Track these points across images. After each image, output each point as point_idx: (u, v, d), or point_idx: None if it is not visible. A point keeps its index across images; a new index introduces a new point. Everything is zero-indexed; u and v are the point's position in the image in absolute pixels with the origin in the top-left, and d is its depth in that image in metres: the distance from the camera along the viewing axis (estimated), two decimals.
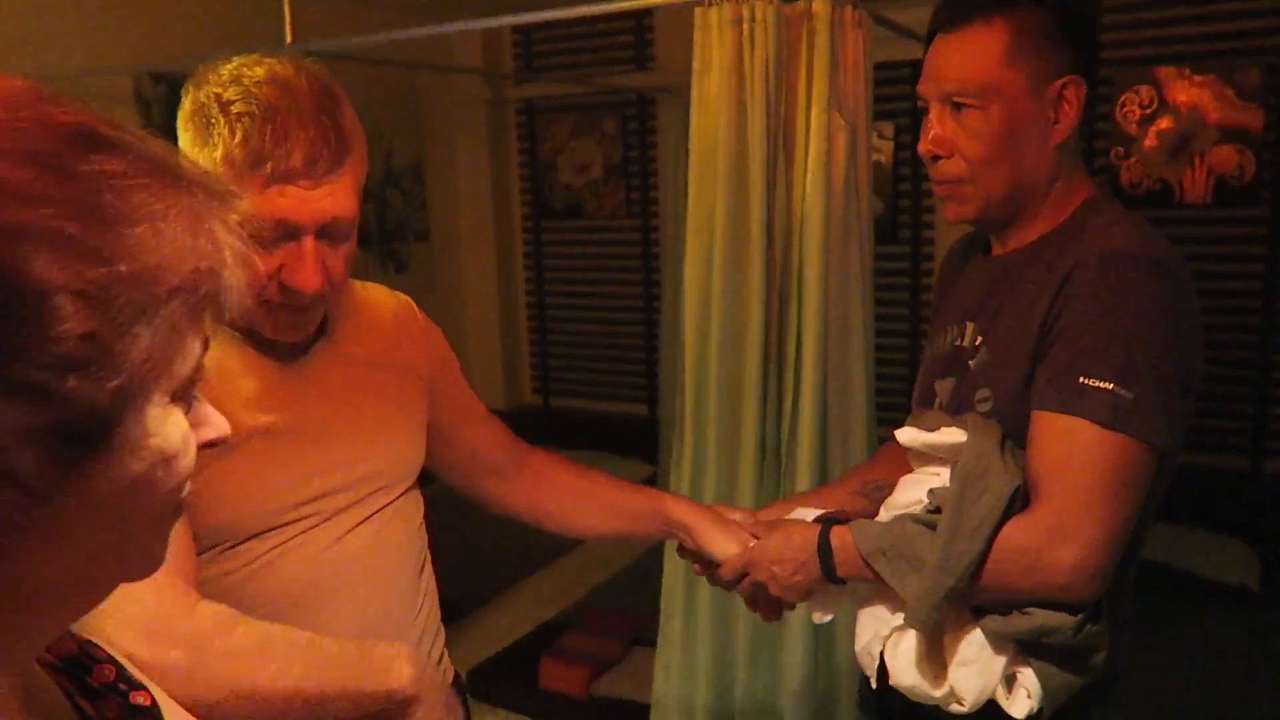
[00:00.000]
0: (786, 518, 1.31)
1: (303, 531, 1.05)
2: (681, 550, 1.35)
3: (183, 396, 0.49)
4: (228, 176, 0.91)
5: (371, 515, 1.11)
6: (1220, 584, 3.06)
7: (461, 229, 4.84)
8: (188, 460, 0.50)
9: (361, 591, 1.09)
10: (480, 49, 4.65)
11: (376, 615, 1.11)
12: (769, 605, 1.32)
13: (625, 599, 3.35)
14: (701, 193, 1.91)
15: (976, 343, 1.19)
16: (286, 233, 0.95)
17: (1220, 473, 3.40)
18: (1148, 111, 3.46)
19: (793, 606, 1.30)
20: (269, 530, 1.03)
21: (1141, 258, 1.08)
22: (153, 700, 0.60)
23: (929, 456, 1.18)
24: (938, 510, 1.11)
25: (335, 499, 1.08)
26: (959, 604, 1.10)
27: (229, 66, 0.96)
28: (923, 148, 1.18)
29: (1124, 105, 3.49)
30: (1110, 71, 3.48)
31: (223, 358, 1.02)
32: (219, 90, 0.93)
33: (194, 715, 0.75)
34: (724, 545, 1.27)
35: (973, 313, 1.22)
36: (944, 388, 1.24)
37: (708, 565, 1.31)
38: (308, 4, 2.43)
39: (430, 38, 4.26)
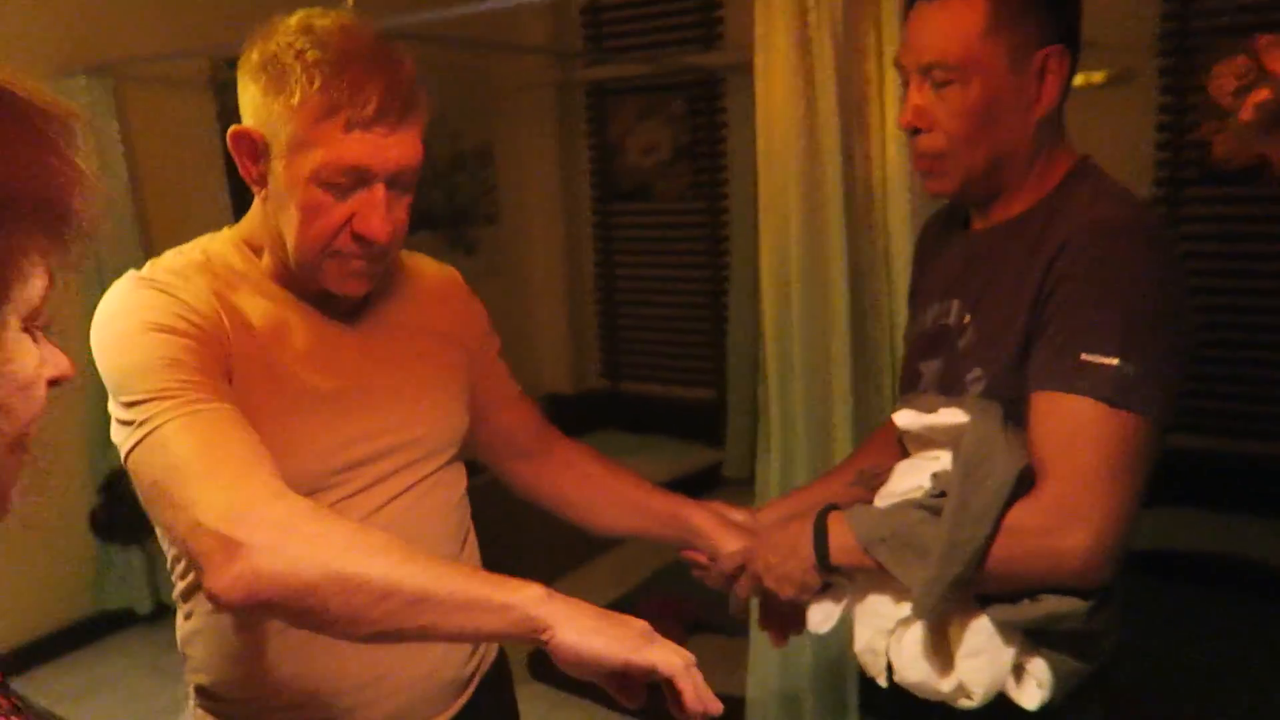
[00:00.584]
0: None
1: (345, 497, 1.03)
2: (691, 564, 1.31)
3: (31, 326, 0.48)
4: (305, 124, 0.92)
5: (414, 483, 1.10)
6: None
7: (529, 212, 4.83)
8: (38, 393, 0.49)
9: None
10: (548, 29, 4.63)
11: None
12: (775, 618, 1.29)
13: (684, 586, 3.30)
14: (771, 169, 1.85)
15: (964, 321, 1.14)
16: (360, 179, 0.95)
17: None
18: (1244, 82, 3.26)
19: (799, 630, 1.25)
20: (311, 493, 1.00)
21: (1134, 227, 1.04)
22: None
23: (927, 440, 1.13)
24: (942, 495, 1.06)
25: (379, 464, 1.06)
26: (965, 592, 1.06)
27: (295, 18, 0.97)
28: (902, 120, 1.14)
29: (1217, 77, 3.30)
30: (1202, 41, 3.29)
31: (276, 316, 1.02)
32: (290, 40, 0.94)
33: (299, 598, 0.76)
34: (728, 543, 1.25)
35: (956, 290, 1.16)
36: (930, 369, 1.19)
37: (710, 565, 1.28)
38: None
39: (498, 21, 4.26)
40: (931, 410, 1.11)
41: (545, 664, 2.84)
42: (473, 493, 1.22)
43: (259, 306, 1.01)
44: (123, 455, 0.91)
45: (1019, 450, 1.03)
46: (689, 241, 4.62)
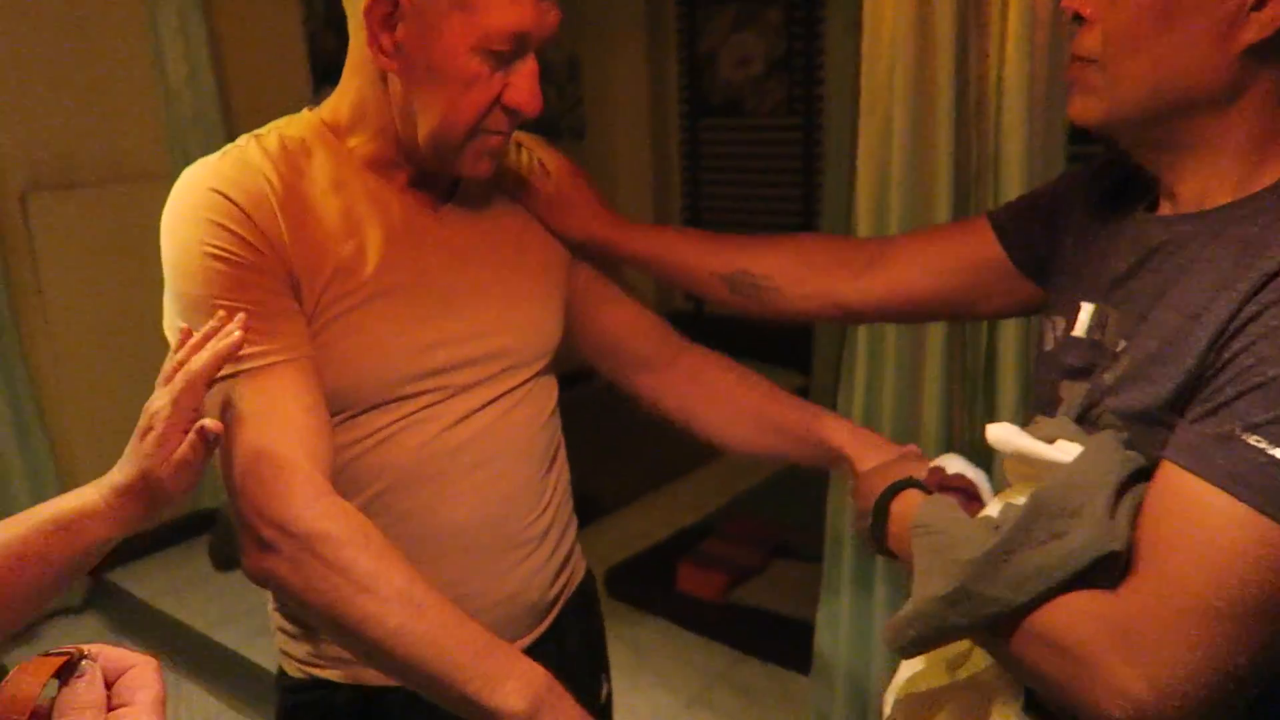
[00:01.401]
0: (912, 459, 1.05)
1: (425, 407, 0.97)
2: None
3: None
4: None
5: (499, 396, 1.03)
6: None
7: (617, 127, 4.71)
8: None
9: (482, 476, 1.01)
10: None
11: (498, 503, 1.03)
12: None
13: (767, 509, 3.26)
14: (876, 66, 1.71)
15: (1118, 348, 0.82)
16: (521, 46, 0.90)
17: None
18: None
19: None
20: (389, 402, 0.96)
21: None
22: None
23: (1026, 470, 0.85)
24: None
25: (461, 373, 0.99)
26: (951, 640, 0.83)
27: None
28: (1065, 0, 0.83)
29: None
30: None
31: (355, 206, 0.95)
32: None
33: (308, 609, 0.78)
34: (868, 464, 1.07)
35: (1118, 295, 0.84)
36: (1073, 395, 0.87)
37: None
38: None
39: None
40: (1047, 436, 0.82)
41: (624, 582, 2.84)
42: (563, 404, 1.14)
43: (337, 197, 0.94)
44: None
45: (1123, 527, 0.73)
46: (782, 159, 4.45)
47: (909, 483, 0.94)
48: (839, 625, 2.07)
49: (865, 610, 2.02)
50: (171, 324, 0.89)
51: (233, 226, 0.87)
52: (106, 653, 0.50)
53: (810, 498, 2.77)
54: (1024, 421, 0.88)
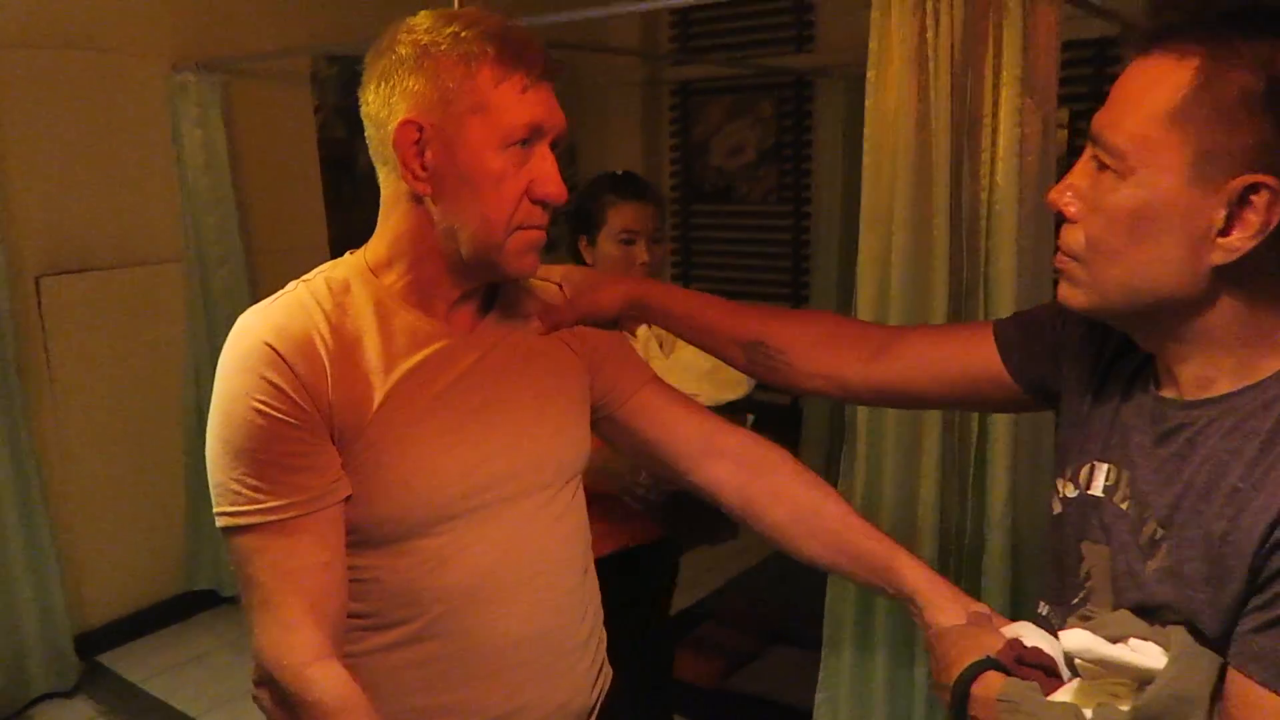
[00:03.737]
0: (994, 625, 1.02)
1: (476, 526, 1.02)
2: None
3: None
4: (484, 90, 0.95)
5: (543, 508, 1.07)
6: None
7: None
8: None
9: (534, 589, 1.06)
10: (638, 29, 4.63)
11: (549, 614, 1.07)
12: None
13: (763, 593, 3.29)
14: (878, 184, 1.81)
15: (1155, 536, 0.83)
16: (537, 136, 0.98)
17: None
18: None
19: None
20: (442, 521, 1.00)
21: None
22: None
23: (1099, 671, 0.86)
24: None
25: (505, 486, 1.04)
26: None
27: (425, 15, 0.99)
28: (1051, 195, 0.87)
29: None
30: None
31: (392, 333, 1.00)
32: (439, 28, 0.96)
33: None
34: (942, 616, 1.05)
35: (1140, 468, 0.86)
36: (1096, 555, 0.89)
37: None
38: None
39: (589, 20, 4.27)
40: (1119, 637, 0.83)
41: None
42: None
43: (379, 333, 1.00)
44: (213, 501, 0.97)
45: None
46: (772, 245, 4.58)
47: (988, 663, 0.92)
48: (838, 714, 2.10)
49: (865, 699, 2.06)
50: (212, 457, 0.96)
51: (278, 380, 0.93)
52: None
53: (806, 583, 2.80)
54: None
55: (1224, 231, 0.76)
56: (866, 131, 1.80)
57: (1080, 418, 0.96)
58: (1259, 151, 0.73)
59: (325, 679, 0.93)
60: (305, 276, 1.04)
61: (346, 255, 1.07)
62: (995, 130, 1.73)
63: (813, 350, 1.15)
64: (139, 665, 3.02)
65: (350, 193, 3.67)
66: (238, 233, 3.16)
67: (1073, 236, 0.84)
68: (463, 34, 0.95)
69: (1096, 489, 0.91)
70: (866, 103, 1.79)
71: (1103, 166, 0.81)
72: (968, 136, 1.74)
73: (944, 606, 1.06)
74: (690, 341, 1.23)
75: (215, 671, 2.99)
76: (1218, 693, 0.77)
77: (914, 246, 1.79)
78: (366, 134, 1.01)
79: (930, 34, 1.71)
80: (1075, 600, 0.93)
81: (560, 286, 1.18)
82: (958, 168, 1.75)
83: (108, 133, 2.98)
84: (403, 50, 0.96)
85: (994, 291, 1.77)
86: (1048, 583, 0.97)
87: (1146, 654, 0.81)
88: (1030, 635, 0.92)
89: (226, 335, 0.98)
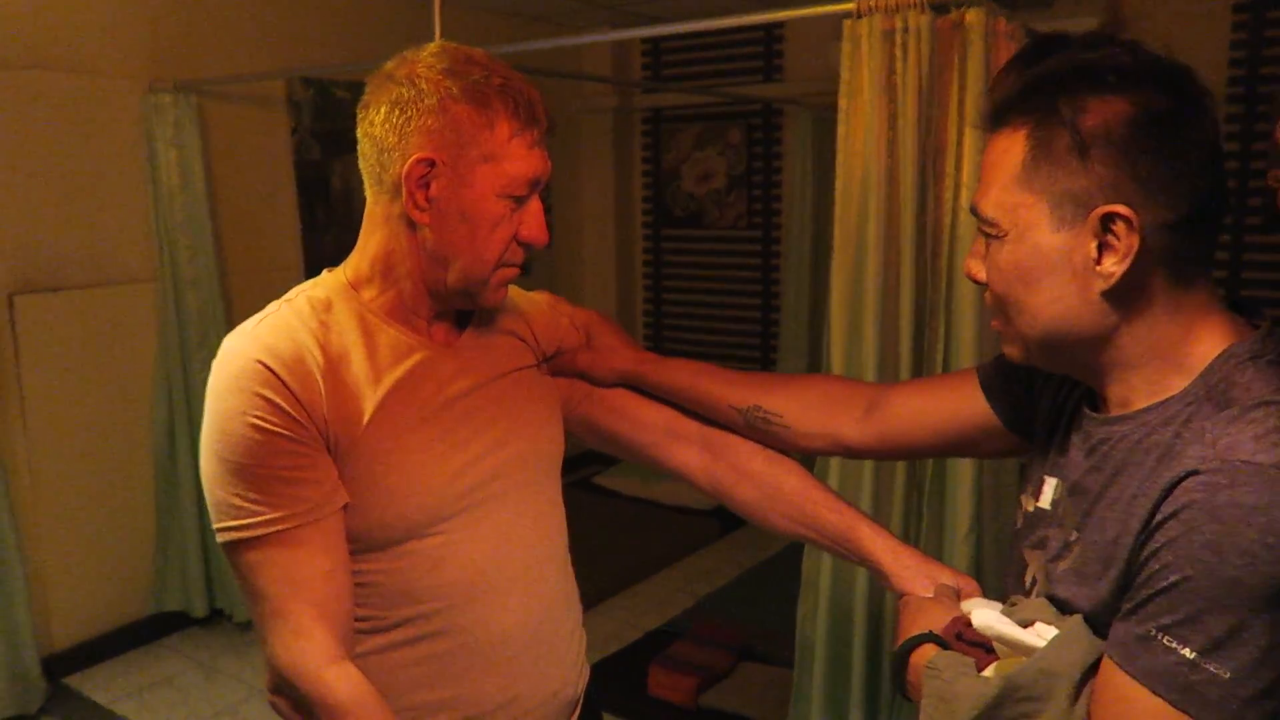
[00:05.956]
0: (954, 601, 1.07)
1: (468, 524, 1.07)
2: None
3: None
4: (499, 142, 1.00)
5: (528, 503, 1.13)
6: None
7: (584, 235, 4.90)
8: None
9: (526, 584, 1.11)
10: (610, 57, 4.71)
11: (540, 608, 1.12)
12: None
13: (734, 611, 3.32)
14: (848, 209, 1.89)
15: (1071, 537, 0.92)
16: (533, 188, 1.04)
17: None
18: None
19: None
20: (435, 523, 1.05)
21: (1276, 478, 0.75)
22: None
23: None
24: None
25: (489, 486, 1.08)
26: None
27: (449, 54, 1.02)
28: (965, 266, 0.95)
29: None
30: (1272, 89, 3.29)
31: (376, 348, 1.04)
32: (476, 77, 0.99)
33: None
34: (905, 583, 1.10)
35: (1073, 481, 0.94)
36: (1034, 561, 0.97)
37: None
38: (449, 16, 2.49)
39: (560, 48, 4.34)
40: (1029, 619, 0.90)
41: (595, 686, 2.86)
42: None
43: (364, 347, 1.03)
44: (212, 519, 0.99)
45: (1080, 713, 0.84)
46: (741, 269, 4.66)
47: (929, 637, 0.98)
48: None
49: (836, 715, 2.10)
50: (211, 475, 0.99)
51: (273, 397, 0.97)
52: None
53: (777, 600, 2.85)
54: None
55: (1099, 260, 0.83)
56: (839, 158, 1.87)
57: (1043, 438, 1.03)
58: (1101, 187, 0.82)
59: (342, 681, 0.96)
60: (286, 296, 1.07)
61: (324, 273, 1.10)
62: (960, 157, 1.80)
63: (808, 412, 1.20)
64: (107, 687, 2.99)
65: (325, 215, 3.69)
66: (212, 253, 3.16)
67: (988, 297, 0.94)
68: (483, 83, 0.99)
69: (1045, 502, 0.98)
70: (839, 130, 1.86)
71: (987, 235, 0.90)
72: (933, 163, 1.82)
73: (908, 577, 1.10)
74: (692, 410, 1.26)
75: (184, 693, 2.96)
76: (1091, 675, 0.84)
77: (883, 267, 1.86)
78: (361, 150, 1.04)
79: (900, 64, 1.78)
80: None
81: (574, 326, 1.26)
82: (923, 193, 1.82)
83: (83, 152, 2.99)
84: (424, 87, 0.99)
85: (956, 311, 1.84)
86: (1005, 589, 1.04)
87: (1045, 637, 0.87)
88: (982, 613, 0.98)
89: (199, 356, 1.01)
